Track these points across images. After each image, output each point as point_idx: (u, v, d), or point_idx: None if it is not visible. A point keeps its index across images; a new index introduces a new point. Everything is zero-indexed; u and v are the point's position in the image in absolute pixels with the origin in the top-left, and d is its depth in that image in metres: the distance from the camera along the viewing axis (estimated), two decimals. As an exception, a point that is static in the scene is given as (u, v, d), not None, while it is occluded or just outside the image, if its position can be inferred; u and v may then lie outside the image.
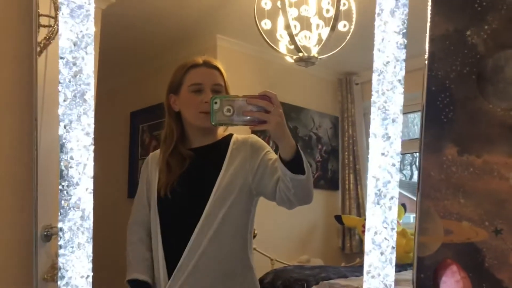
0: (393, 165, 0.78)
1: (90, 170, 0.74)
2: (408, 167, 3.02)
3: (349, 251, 3.22)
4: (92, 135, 0.74)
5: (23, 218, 1.15)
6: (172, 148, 1.14)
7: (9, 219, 1.07)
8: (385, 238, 0.79)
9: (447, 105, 1.09)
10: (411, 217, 2.58)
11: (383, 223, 0.78)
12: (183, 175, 1.12)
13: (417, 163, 1.51)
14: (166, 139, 1.16)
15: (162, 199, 1.13)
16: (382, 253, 0.79)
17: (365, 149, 3.30)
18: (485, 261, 1.11)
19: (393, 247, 0.79)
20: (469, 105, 1.11)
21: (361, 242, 3.12)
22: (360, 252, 3.07)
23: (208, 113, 0.96)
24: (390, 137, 0.78)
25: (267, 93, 0.93)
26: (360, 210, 3.22)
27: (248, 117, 0.93)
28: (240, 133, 1.19)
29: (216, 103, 0.92)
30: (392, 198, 0.78)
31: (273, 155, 1.08)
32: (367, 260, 0.79)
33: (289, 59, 2.21)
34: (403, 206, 2.55)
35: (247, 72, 2.73)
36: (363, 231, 3.01)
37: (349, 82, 3.39)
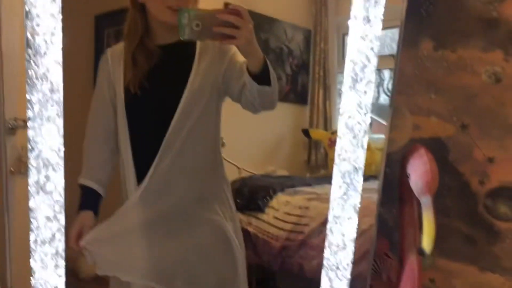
0: (372, 49, 0.77)
1: (58, 40, 0.70)
2: (375, 89, 3.04)
3: (314, 163, 3.30)
4: (60, 3, 0.70)
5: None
6: (137, 42, 1.09)
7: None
8: (358, 122, 0.80)
9: (428, -2, 1.07)
10: (376, 136, 2.63)
11: (357, 107, 0.79)
12: (151, 71, 1.08)
13: (384, 85, 1.52)
14: (130, 33, 1.09)
15: (130, 96, 1.10)
16: (354, 137, 0.80)
17: (336, 64, 3.29)
18: (449, 155, 1.16)
19: (365, 131, 0.80)
20: (450, -3, 1.09)
21: (326, 155, 3.20)
22: (325, 165, 3.16)
23: (175, 10, 0.95)
24: (370, 20, 0.77)
25: (237, 8, 0.89)
26: (327, 125, 3.26)
27: (217, 32, 0.89)
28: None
29: (185, 17, 0.88)
30: (368, 83, 0.78)
31: (240, 57, 1.06)
32: (339, 143, 0.80)
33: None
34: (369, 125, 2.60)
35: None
36: (329, 145, 3.08)
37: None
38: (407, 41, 1.13)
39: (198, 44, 1.10)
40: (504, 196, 1.13)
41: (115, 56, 1.12)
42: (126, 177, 1.13)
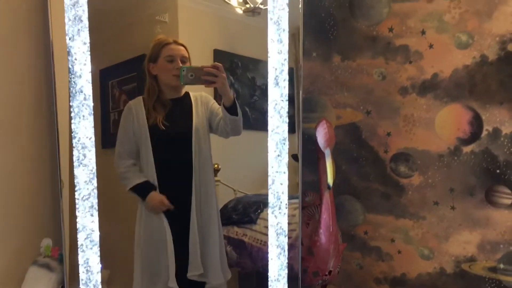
0: (285, 59, 1.21)
1: (88, 68, 1.14)
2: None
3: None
4: (88, 46, 1.15)
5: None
6: (155, 98, 1.54)
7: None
8: (282, 107, 1.23)
9: (332, 26, 1.54)
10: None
11: (280, 96, 1.22)
12: (167, 115, 1.53)
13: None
14: (149, 92, 1.55)
15: (153, 130, 1.51)
16: (280, 116, 1.23)
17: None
18: (362, 134, 1.59)
19: (286, 113, 1.22)
20: (345, 25, 1.56)
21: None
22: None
23: (178, 76, 1.43)
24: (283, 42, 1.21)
25: (216, 64, 1.37)
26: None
27: (204, 80, 1.37)
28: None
29: (183, 71, 1.37)
30: (285, 80, 1.22)
31: (216, 104, 1.54)
32: (271, 122, 1.23)
33: (239, 10, 2.59)
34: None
35: (207, 28, 3.03)
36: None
37: (299, 36, 3.75)
38: (323, 57, 1.60)
39: (192, 98, 1.56)
40: (401, 159, 1.56)
41: (136, 105, 1.56)
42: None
